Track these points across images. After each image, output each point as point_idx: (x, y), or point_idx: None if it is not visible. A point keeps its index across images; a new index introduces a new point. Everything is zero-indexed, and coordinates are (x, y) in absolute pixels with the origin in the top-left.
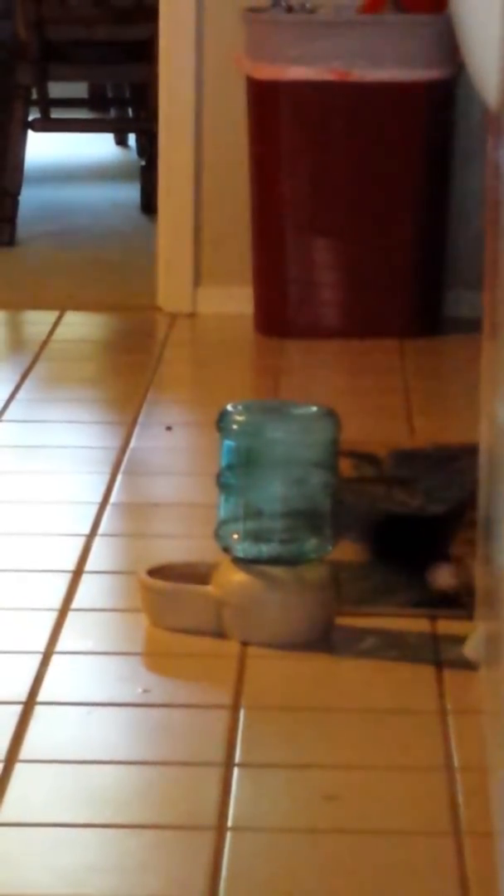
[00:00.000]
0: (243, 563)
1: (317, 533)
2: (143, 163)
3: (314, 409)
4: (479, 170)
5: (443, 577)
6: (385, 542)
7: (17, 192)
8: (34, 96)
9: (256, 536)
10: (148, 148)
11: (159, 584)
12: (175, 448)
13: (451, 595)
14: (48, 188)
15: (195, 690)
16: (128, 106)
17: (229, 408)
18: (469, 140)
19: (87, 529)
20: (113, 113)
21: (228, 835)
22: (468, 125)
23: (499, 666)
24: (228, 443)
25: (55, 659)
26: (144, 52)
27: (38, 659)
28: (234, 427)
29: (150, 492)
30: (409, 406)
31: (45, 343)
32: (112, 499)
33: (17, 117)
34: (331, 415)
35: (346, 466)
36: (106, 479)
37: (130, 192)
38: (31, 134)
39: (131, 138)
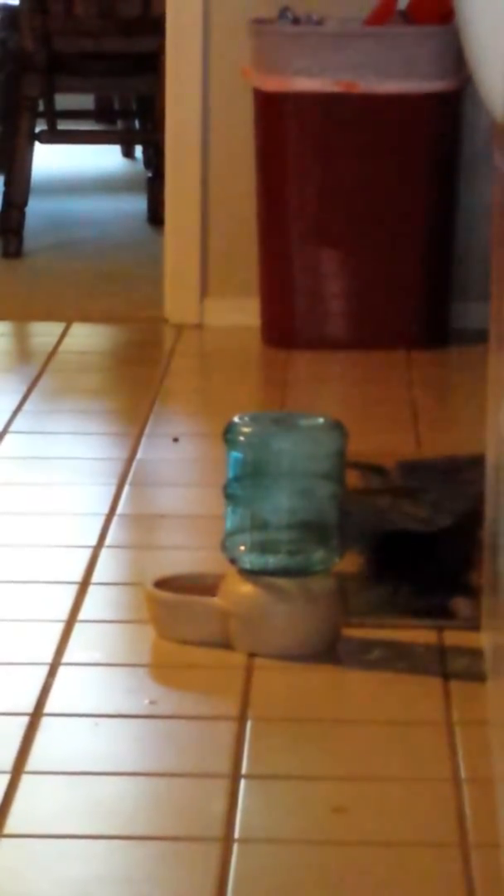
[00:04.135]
0: (250, 574)
1: (323, 544)
2: (149, 174)
3: (321, 420)
4: (486, 181)
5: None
6: (388, 557)
7: (24, 204)
8: (41, 108)
9: (263, 548)
10: (155, 159)
11: (166, 595)
12: (182, 459)
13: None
14: (55, 200)
15: (202, 702)
16: (135, 118)
17: (236, 419)
18: (476, 151)
19: (93, 541)
20: (120, 125)
21: (235, 846)
22: (475, 137)
23: None
24: (235, 454)
25: (62, 670)
26: (151, 63)
27: (44, 670)
28: (241, 438)
29: (157, 503)
30: (416, 417)
31: (51, 354)
32: (119, 510)
33: (23, 129)
34: (338, 426)
35: (352, 478)
36: (112, 490)
37: (137, 204)
38: (37, 146)
39: (138, 150)
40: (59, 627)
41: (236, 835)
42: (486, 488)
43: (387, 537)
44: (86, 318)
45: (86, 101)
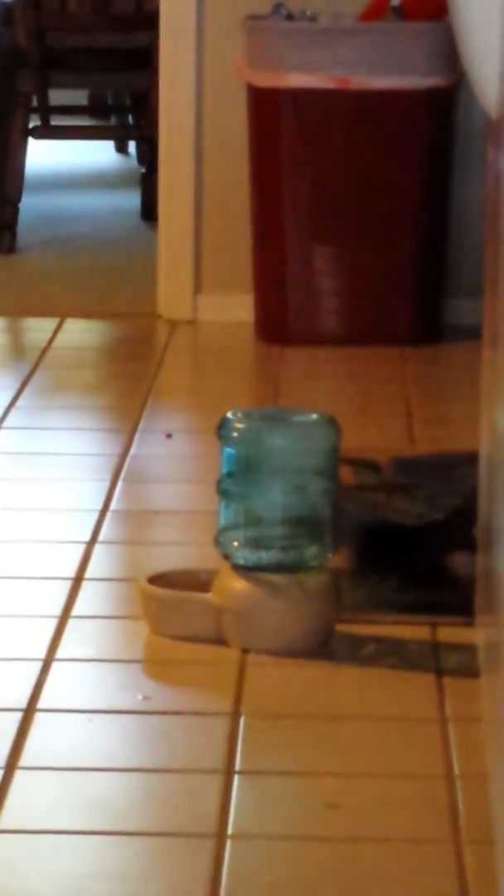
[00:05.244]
0: (243, 570)
1: (317, 540)
2: (143, 170)
3: (314, 416)
4: (480, 177)
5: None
6: (378, 550)
7: (18, 200)
8: (34, 103)
9: (256, 544)
10: (148, 155)
11: (159, 591)
12: (175, 455)
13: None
14: (48, 195)
15: (195, 697)
16: (128, 113)
17: (229, 415)
18: (469, 148)
19: (87, 536)
20: (113, 120)
21: (229, 842)
22: (469, 133)
23: (499, 673)
24: (229, 450)
25: (55, 666)
26: (145, 59)
27: (38, 666)
28: (235, 434)
29: (151, 499)
30: (410, 413)
31: (45, 350)
32: (112, 506)
33: (17, 124)
34: (331, 422)
35: (346, 474)
36: (106, 486)
37: (131, 200)
38: (31, 141)
39: (132, 145)
40: (53, 623)
41: (230, 831)
42: (480, 484)
43: (375, 530)
44: (79, 313)
45: (79, 96)
